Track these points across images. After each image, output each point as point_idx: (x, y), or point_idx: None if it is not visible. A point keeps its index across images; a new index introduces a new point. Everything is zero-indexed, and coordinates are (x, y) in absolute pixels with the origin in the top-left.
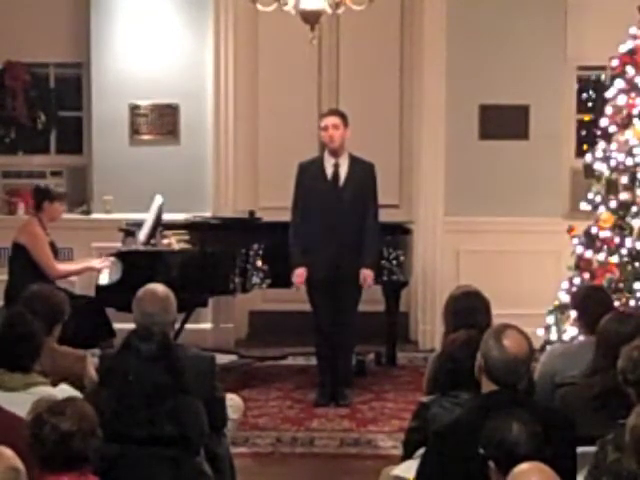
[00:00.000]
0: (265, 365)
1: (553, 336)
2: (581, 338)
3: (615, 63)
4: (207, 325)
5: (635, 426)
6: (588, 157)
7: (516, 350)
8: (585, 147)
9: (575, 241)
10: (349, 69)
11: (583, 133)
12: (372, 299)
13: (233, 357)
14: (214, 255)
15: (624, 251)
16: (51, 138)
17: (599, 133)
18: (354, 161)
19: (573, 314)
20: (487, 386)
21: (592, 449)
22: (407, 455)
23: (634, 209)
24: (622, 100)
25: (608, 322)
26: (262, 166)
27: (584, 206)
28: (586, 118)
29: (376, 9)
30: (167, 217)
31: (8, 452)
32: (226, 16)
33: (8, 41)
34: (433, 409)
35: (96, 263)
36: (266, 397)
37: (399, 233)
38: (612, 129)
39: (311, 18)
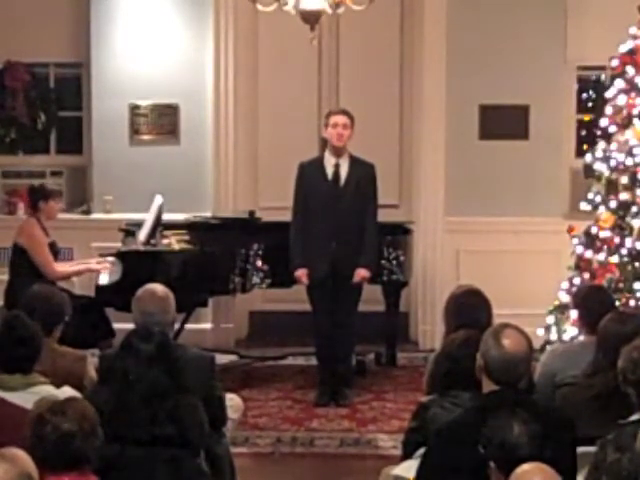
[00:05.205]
0: (265, 365)
1: (553, 336)
2: (582, 338)
3: (615, 63)
4: (207, 325)
5: None
6: (588, 157)
7: (515, 349)
8: (585, 147)
9: (575, 241)
10: (349, 69)
11: (583, 133)
12: (372, 299)
13: (233, 357)
14: (214, 255)
15: (624, 251)
16: (51, 138)
17: (599, 133)
18: (355, 161)
19: (573, 314)
20: (487, 386)
21: (592, 449)
22: (407, 455)
23: (634, 209)
24: (622, 100)
25: (608, 322)
26: (262, 166)
27: (584, 206)
28: (586, 118)
29: (376, 9)
30: (167, 217)
31: (22, 456)
32: (226, 16)
33: (8, 41)
34: (433, 409)
35: (95, 265)
36: (266, 397)
37: (399, 233)
38: (612, 129)
39: (311, 18)
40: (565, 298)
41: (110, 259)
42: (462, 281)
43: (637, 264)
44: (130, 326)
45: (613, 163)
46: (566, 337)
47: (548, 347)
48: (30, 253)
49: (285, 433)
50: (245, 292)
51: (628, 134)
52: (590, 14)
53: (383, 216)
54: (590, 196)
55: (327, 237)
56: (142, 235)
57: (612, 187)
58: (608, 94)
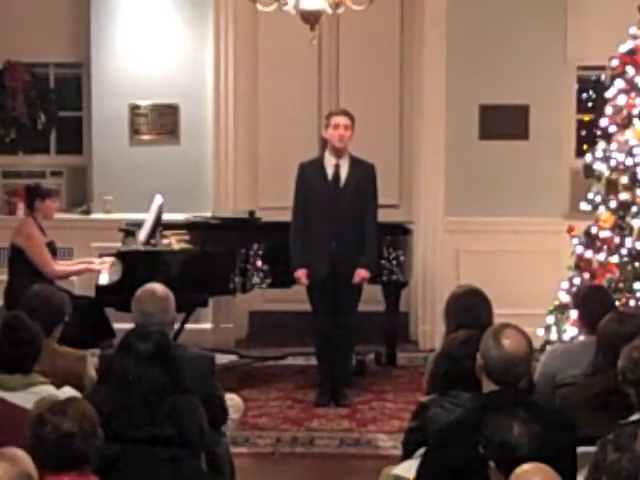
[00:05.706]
0: (265, 365)
1: (553, 336)
2: (582, 338)
3: (615, 63)
4: (207, 325)
5: None
6: (588, 157)
7: (515, 349)
8: (585, 147)
9: (575, 241)
10: (349, 69)
11: (583, 133)
12: (372, 299)
13: (233, 357)
14: (214, 255)
15: (624, 251)
16: (51, 138)
17: (599, 133)
18: (355, 162)
19: (573, 314)
20: (488, 386)
21: (592, 449)
22: (407, 455)
23: (634, 209)
24: (622, 100)
25: (608, 322)
26: (262, 166)
27: (584, 206)
28: (586, 118)
29: (376, 9)
30: (167, 217)
31: (22, 456)
32: (226, 16)
33: (8, 41)
34: (433, 409)
35: (95, 265)
36: (266, 397)
37: (399, 233)
38: (612, 129)
39: (311, 18)
40: (565, 298)
41: (110, 259)
42: (462, 281)
43: (637, 264)
44: (130, 326)
45: (613, 163)
46: (566, 337)
47: (548, 347)
48: (28, 253)
49: (285, 433)
50: (245, 292)
51: (628, 134)
52: (590, 14)
53: (383, 216)
54: (590, 196)
55: (327, 237)
56: (142, 235)
57: (612, 187)
58: (608, 94)
